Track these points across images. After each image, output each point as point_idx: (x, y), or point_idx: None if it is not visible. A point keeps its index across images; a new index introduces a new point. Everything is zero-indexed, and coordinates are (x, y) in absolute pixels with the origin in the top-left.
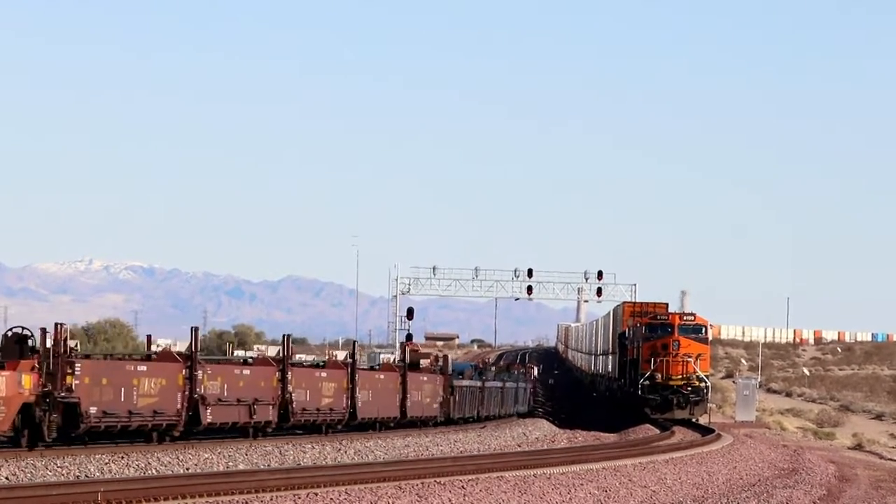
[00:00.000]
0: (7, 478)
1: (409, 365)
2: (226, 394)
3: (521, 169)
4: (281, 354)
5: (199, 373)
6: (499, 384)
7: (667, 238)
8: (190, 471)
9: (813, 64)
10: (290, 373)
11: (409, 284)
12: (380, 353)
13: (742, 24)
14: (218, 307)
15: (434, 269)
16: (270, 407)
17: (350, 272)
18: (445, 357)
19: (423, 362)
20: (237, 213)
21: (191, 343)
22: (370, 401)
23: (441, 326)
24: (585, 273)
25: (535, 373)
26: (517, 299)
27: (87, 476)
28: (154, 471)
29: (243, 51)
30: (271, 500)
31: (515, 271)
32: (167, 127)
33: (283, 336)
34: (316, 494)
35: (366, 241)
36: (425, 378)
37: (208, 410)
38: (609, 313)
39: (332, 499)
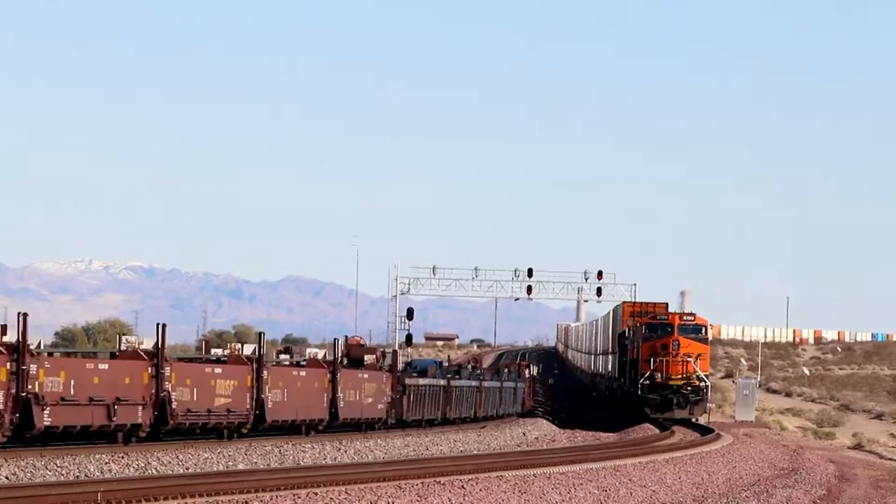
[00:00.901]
0: (7, 477)
1: (351, 361)
2: (72, 392)
3: (521, 169)
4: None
5: (33, 366)
6: (473, 383)
7: (667, 238)
8: (190, 471)
9: (813, 64)
10: (168, 368)
11: (409, 284)
12: (308, 349)
13: (742, 24)
14: (218, 307)
15: (434, 269)
16: (140, 408)
17: (350, 272)
18: (394, 352)
19: (368, 358)
20: (237, 213)
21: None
22: (284, 401)
23: (441, 326)
24: (585, 273)
25: (531, 372)
26: (517, 299)
27: (86, 476)
28: (154, 471)
29: (243, 51)
30: (271, 499)
31: (515, 271)
32: (167, 127)
33: (158, 326)
34: (316, 494)
35: (366, 241)
36: (366, 375)
37: (45, 411)
38: (609, 313)
39: (331, 498)
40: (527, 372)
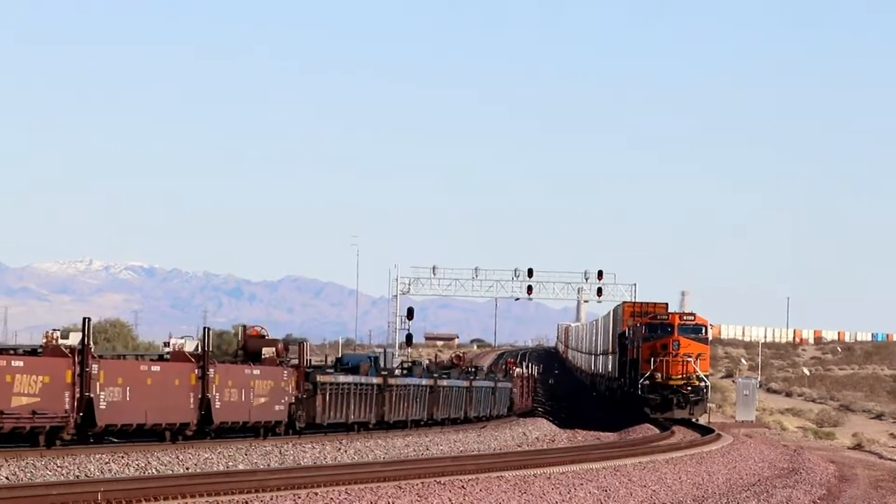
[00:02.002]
0: (7, 478)
1: (249, 355)
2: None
3: (521, 169)
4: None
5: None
6: (424, 382)
7: (667, 238)
8: (190, 471)
9: (813, 64)
10: None
11: (409, 284)
12: (175, 339)
13: (742, 24)
14: (218, 307)
15: (434, 268)
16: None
17: (350, 272)
18: (301, 344)
19: (267, 352)
20: (237, 213)
21: None
22: (126, 401)
23: (441, 326)
24: (585, 273)
25: (524, 371)
26: (517, 299)
27: (87, 476)
28: (154, 471)
29: (243, 51)
30: (271, 499)
31: (515, 271)
32: (167, 127)
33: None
34: (316, 494)
35: (366, 241)
36: (256, 372)
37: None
38: (609, 313)
39: (332, 498)
40: (516, 371)
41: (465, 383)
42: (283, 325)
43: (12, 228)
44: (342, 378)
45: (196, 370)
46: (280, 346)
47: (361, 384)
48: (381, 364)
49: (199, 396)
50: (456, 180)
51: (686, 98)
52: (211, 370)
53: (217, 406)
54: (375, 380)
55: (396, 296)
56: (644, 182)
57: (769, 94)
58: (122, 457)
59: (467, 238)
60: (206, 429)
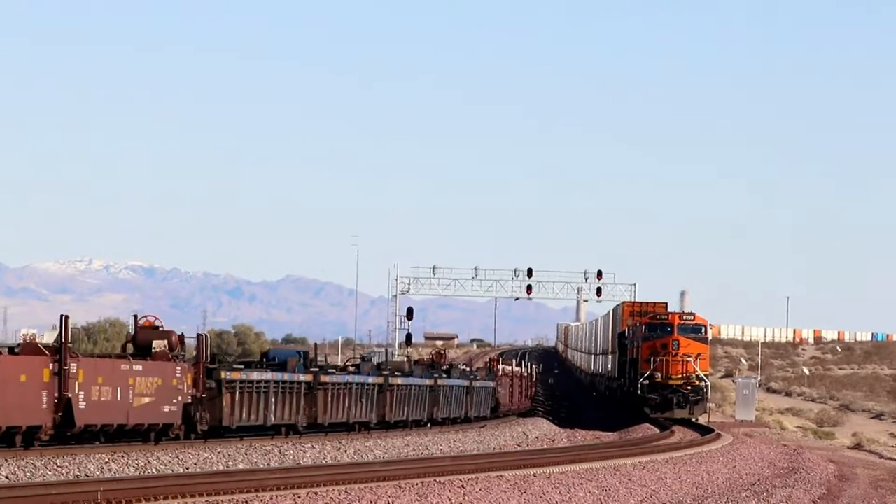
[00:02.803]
0: (7, 477)
1: (139, 348)
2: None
3: (521, 169)
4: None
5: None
6: (372, 380)
7: (667, 238)
8: (190, 470)
9: (813, 64)
10: None
11: (409, 284)
12: (25, 330)
13: (742, 24)
14: (218, 307)
15: (434, 268)
16: None
17: (350, 272)
18: (199, 337)
19: (158, 344)
20: (237, 213)
21: None
22: None
23: (441, 326)
24: (585, 273)
25: (512, 369)
26: (517, 299)
27: (86, 475)
28: (154, 470)
29: (243, 51)
30: (271, 499)
31: (515, 271)
32: (167, 127)
33: None
34: (315, 494)
35: (366, 241)
36: (137, 368)
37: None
38: (609, 313)
39: (331, 498)
40: (501, 369)
41: (429, 382)
42: (282, 325)
43: (12, 228)
44: (256, 375)
45: (51, 365)
46: (175, 337)
47: (284, 382)
48: (325, 360)
49: (56, 395)
50: (456, 180)
51: (686, 98)
52: (73, 365)
53: (81, 406)
54: (304, 377)
55: (396, 296)
56: (644, 182)
57: (769, 94)
58: (122, 456)
59: (467, 238)
60: (68, 432)
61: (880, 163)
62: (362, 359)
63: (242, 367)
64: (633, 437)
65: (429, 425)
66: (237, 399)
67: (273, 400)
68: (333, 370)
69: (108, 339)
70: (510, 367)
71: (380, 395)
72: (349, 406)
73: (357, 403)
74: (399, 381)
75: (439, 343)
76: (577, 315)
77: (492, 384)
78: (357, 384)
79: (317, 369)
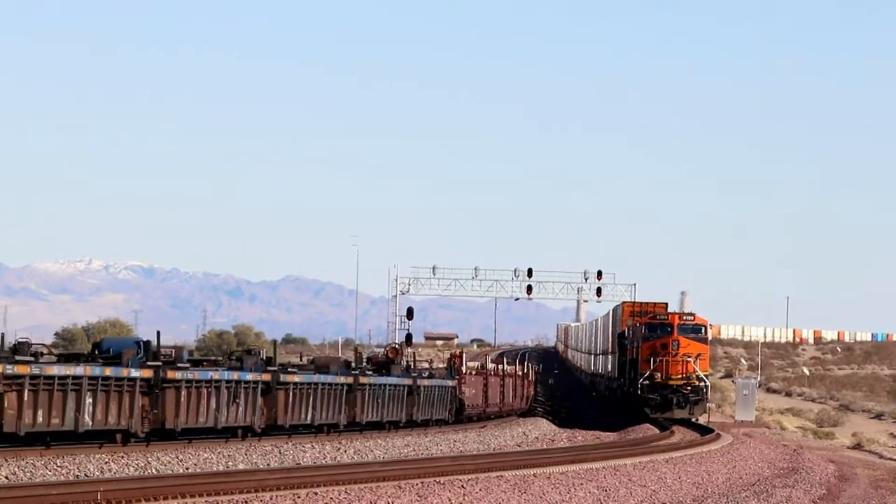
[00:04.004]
0: (7, 477)
1: None
2: None
3: (521, 169)
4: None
5: None
6: (251, 377)
7: (667, 238)
8: (190, 470)
9: (813, 64)
10: None
11: (409, 284)
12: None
13: (742, 24)
14: (218, 307)
15: (434, 268)
16: None
17: (350, 272)
18: None
19: None
20: (237, 213)
21: None
22: None
23: (441, 326)
24: (585, 273)
25: (496, 368)
26: (517, 299)
27: (86, 476)
28: (154, 470)
29: (243, 51)
30: (271, 499)
31: (515, 271)
32: (167, 127)
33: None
34: (315, 494)
35: (366, 241)
36: None
37: None
38: (609, 313)
39: (331, 498)
40: (464, 367)
41: (346, 380)
42: (282, 325)
43: (12, 228)
44: (59, 370)
45: None
46: None
47: (106, 378)
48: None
49: None
50: (456, 180)
51: (685, 98)
52: None
53: None
54: (137, 373)
55: (396, 296)
56: (644, 182)
57: (768, 95)
58: (122, 457)
59: (467, 238)
60: None
61: (880, 163)
62: (248, 352)
63: (34, 360)
64: (633, 437)
65: (340, 428)
66: (27, 399)
67: (93, 401)
68: (188, 364)
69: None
70: (494, 366)
71: (267, 396)
72: (216, 407)
73: (231, 405)
74: (298, 378)
75: (439, 343)
76: (577, 315)
77: (450, 383)
78: (230, 382)
79: (159, 363)
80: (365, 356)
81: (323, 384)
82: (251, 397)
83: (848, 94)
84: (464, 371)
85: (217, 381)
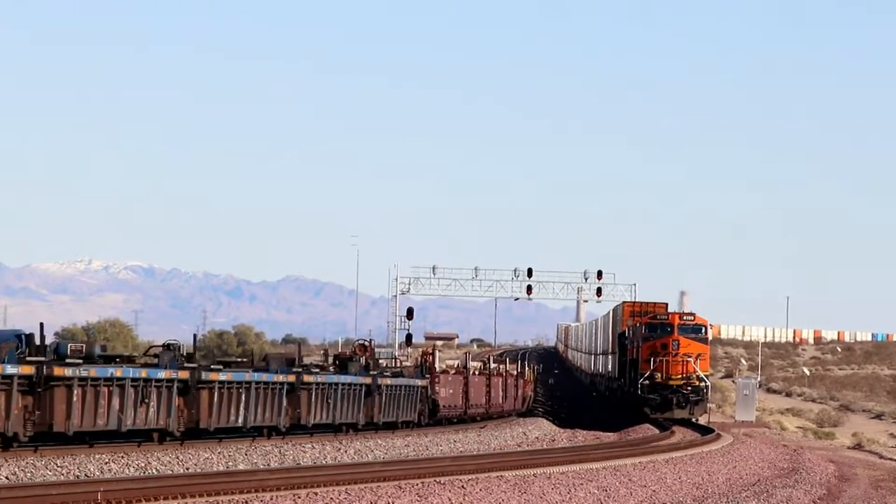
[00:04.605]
0: (7, 477)
1: None
2: None
3: (521, 169)
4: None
5: None
6: (162, 374)
7: (667, 238)
8: (190, 471)
9: (813, 64)
10: None
11: (409, 284)
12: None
13: (742, 24)
14: (218, 307)
15: (434, 268)
16: None
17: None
18: None
19: None
20: (237, 213)
21: None
22: None
23: (441, 326)
24: (585, 273)
25: (480, 366)
26: (517, 299)
27: (87, 476)
28: (154, 470)
29: (243, 51)
30: (271, 499)
31: (515, 271)
32: (167, 126)
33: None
34: (316, 494)
35: (366, 241)
36: None
37: None
38: (609, 313)
39: (332, 498)
40: (438, 364)
41: (286, 378)
42: (282, 325)
43: (12, 228)
44: None
45: None
46: None
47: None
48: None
49: None
50: (456, 180)
51: (685, 98)
52: None
53: None
54: (14, 369)
55: (396, 296)
56: (644, 182)
57: (768, 95)
58: (122, 457)
59: (467, 238)
60: None
61: (880, 163)
62: (166, 347)
63: None
64: (633, 437)
65: (278, 430)
66: None
67: None
68: (84, 360)
69: (109, 339)
70: (479, 365)
71: (186, 396)
72: (120, 409)
73: (139, 406)
74: (223, 377)
75: (439, 343)
76: (577, 315)
77: (419, 382)
78: (136, 380)
79: (42, 360)
80: (332, 354)
81: (257, 383)
82: (165, 398)
83: (848, 93)
84: (437, 370)
85: (120, 378)
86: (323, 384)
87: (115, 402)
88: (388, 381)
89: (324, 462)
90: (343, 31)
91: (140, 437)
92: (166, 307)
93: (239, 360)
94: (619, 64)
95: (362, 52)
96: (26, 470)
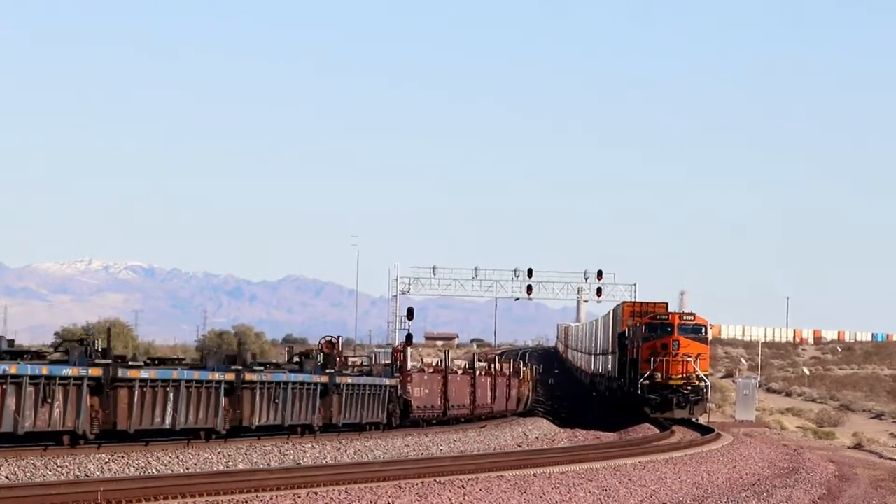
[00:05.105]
0: (7, 477)
1: None
2: None
3: (521, 169)
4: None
5: None
6: (68, 371)
7: (667, 238)
8: (190, 470)
9: (813, 64)
10: None
11: (409, 284)
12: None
13: (742, 24)
14: (218, 307)
15: (434, 268)
16: None
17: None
18: None
19: None
20: (237, 213)
21: None
22: None
23: (441, 326)
24: (585, 273)
25: (426, 363)
26: (517, 299)
27: (87, 476)
28: (154, 470)
29: (243, 51)
30: (271, 499)
31: (515, 271)
32: (167, 127)
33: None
34: (316, 494)
35: (366, 241)
36: None
37: None
38: (609, 313)
39: (331, 498)
40: (410, 362)
41: (223, 376)
42: (282, 325)
43: (12, 228)
44: None
45: None
46: None
47: None
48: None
49: None
50: (456, 180)
51: (685, 98)
52: None
53: None
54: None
55: (396, 296)
56: (644, 182)
57: (768, 94)
58: (122, 457)
59: (467, 238)
60: None
61: (880, 163)
62: (79, 341)
63: None
64: (633, 437)
65: (213, 434)
66: None
67: None
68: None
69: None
70: (463, 364)
71: (101, 395)
72: (16, 409)
73: (41, 406)
74: (143, 374)
75: (439, 343)
76: (577, 315)
77: (388, 381)
78: (37, 378)
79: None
80: (296, 352)
81: (188, 381)
82: (74, 397)
83: (848, 93)
84: (409, 368)
85: (18, 376)
86: (269, 383)
87: (10, 402)
88: (349, 380)
89: (324, 462)
90: (343, 31)
91: (52, 440)
92: (166, 307)
93: (174, 358)
94: (619, 64)
95: (362, 52)
96: (26, 470)
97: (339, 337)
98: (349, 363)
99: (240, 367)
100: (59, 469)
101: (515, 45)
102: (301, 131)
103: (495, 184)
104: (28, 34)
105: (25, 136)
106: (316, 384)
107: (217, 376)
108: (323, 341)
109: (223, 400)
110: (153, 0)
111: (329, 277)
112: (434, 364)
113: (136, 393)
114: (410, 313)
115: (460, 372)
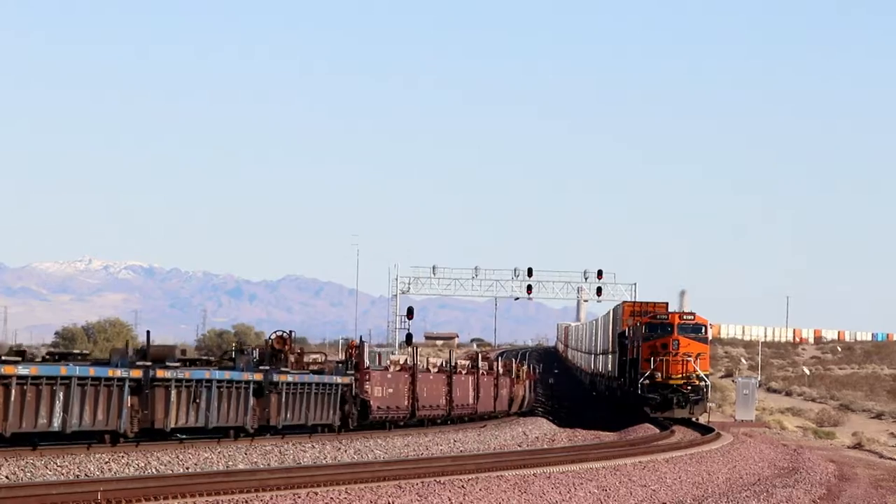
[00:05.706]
0: (7, 477)
1: None
2: None
3: (521, 169)
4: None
5: None
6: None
7: (667, 238)
8: (190, 470)
9: (813, 64)
10: None
11: (409, 284)
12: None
13: (743, 24)
14: (218, 307)
15: (434, 268)
16: None
17: (350, 272)
18: None
19: None
20: (237, 213)
21: None
22: None
23: (441, 326)
24: (585, 272)
25: (393, 360)
26: (517, 299)
27: (86, 475)
28: (154, 470)
29: (243, 51)
30: (271, 499)
31: (515, 271)
32: (167, 127)
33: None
34: (316, 494)
35: (366, 240)
36: None
37: None
38: (609, 313)
39: (331, 498)
40: (367, 359)
41: (129, 373)
42: (282, 324)
43: (12, 228)
44: None
45: None
46: None
47: None
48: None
49: None
50: (456, 180)
51: (685, 98)
52: None
53: None
54: (126, 373)
55: (396, 295)
56: (644, 182)
57: (769, 95)
58: (122, 456)
59: (467, 238)
60: None
61: (880, 162)
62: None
63: None
64: (633, 436)
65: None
66: None
67: None
68: None
69: (109, 339)
70: (440, 361)
71: (135, 395)
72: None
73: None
74: (21, 370)
75: (439, 343)
76: (577, 315)
77: (339, 380)
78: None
79: (147, 364)
80: (251, 348)
81: (81, 378)
82: (116, 398)
83: (848, 93)
84: (366, 365)
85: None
86: (187, 381)
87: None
88: (289, 378)
89: (324, 462)
90: (344, 31)
91: None
92: (166, 307)
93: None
94: (619, 64)
95: (363, 53)
96: (26, 469)
97: (291, 332)
98: (307, 361)
99: (148, 364)
100: (58, 469)
101: (516, 46)
102: (301, 131)
103: (495, 184)
104: (29, 34)
105: (25, 136)
106: (248, 382)
107: (119, 373)
108: (273, 336)
109: (128, 399)
110: (154, 0)
111: (329, 277)
112: (438, 364)
113: (13, 392)
114: (410, 313)
115: (434, 370)
